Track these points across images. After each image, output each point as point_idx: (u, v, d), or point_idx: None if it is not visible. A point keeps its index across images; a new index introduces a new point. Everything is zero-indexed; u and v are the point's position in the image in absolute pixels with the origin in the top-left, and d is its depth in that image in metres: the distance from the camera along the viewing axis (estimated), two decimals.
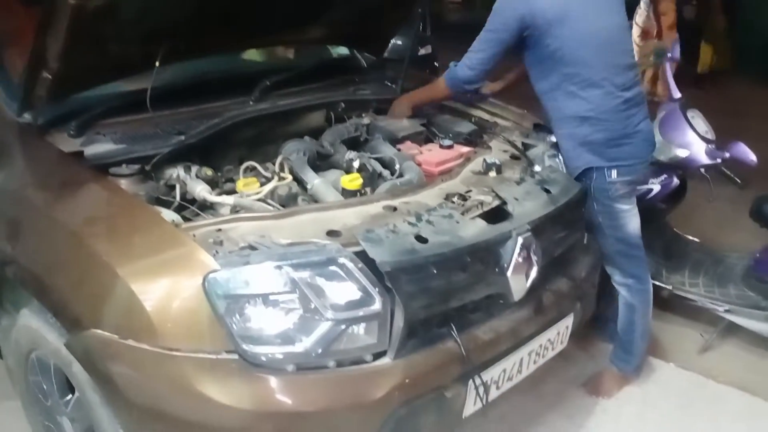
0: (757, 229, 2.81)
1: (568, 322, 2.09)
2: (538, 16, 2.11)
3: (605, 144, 2.23)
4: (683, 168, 2.88)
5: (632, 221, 2.34)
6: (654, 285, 2.88)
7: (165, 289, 1.52)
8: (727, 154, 2.75)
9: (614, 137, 2.23)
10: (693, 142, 2.81)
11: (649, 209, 2.85)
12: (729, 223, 3.60)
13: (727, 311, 2.79)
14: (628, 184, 2.28)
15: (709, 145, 2.80)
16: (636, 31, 4.91)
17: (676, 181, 2.91)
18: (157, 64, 1.99)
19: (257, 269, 1.51)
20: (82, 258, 1.64)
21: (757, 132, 4.09)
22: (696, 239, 3.19)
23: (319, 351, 1.54)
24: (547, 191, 2.02)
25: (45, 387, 1.95)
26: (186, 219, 1.78)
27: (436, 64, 4.38)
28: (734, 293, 2.83)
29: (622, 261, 2.40)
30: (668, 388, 2.68)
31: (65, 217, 1.73)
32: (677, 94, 2.91)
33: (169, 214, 1.73)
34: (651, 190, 2.90)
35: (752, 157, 2.70)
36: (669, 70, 2.91)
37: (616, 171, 2.24)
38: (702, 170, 2.83)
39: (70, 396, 1.87)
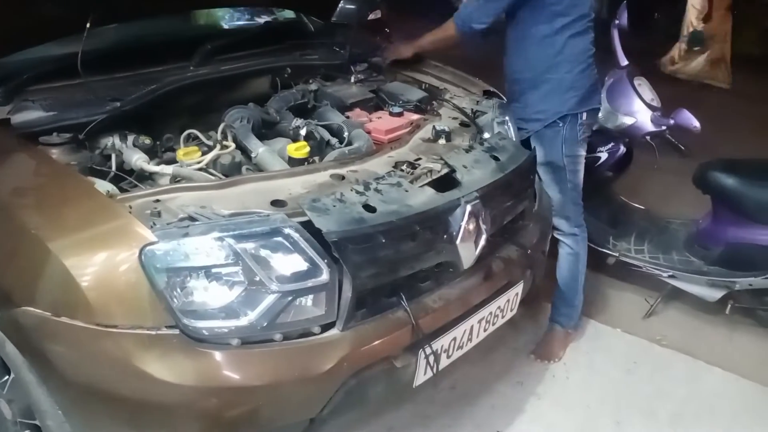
0: (700, 196, 2.87)
1: (518, 289, 2.10)
2: None
3: (589, 87, 2.40)
4: (629, 136, 2.91)
5: (583, 169, 2.49)
6: (600, 252, 2.95)
7: (100, 263, 1.45)
8: (672, 121, 2.79)
9: (593, 81, 2.43)
10: (639, 109, 2.84)
11: (596, 177, 2.90)
12: (673, 191, 3.68)
13: (670, 276, 2.87)
14: (590, 127, 2.45)
15: (655, 113, 2.84)
16: (693, 13, 4.78)
17: (622, 149, 2.95)
18: (88, 25, 1.87)
19: (197, 241, 1.46)
20: (11, 232, 1.56)
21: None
22: (642, 207, 3.25)
23: (265, 324, 1.49)
24: (496, 159, 2.01)
25: None
26: (123, 190, 1.70)
27: (387, 30, 4.31)
28: (678, 259, 2.91)
29: (573, 209, 2.52)
30: (614, 352, 2.74)
31: None
32: (624, 62, 2.93)
33: (103, 185, 1.65)
34: (598, 158, 2.94)
35: (695, 123, 2.75)
36: (617, 38, 2.92)
37: (585, 114, 2.40)
38: (647, 138, 2.87)
39: (6, 377, 1.78)
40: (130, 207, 1.52)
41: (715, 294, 2.79)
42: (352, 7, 2.77)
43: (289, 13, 2.90)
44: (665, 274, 2.88)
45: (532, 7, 2.30)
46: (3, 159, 1.72)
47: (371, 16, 4.02)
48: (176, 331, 1.45)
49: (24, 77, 1.93)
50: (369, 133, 2.12)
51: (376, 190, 1.70)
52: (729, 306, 2.80)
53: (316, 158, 1.97)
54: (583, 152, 2.46)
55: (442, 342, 1.81)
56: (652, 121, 2.82)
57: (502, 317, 2.07)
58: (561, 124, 2.37)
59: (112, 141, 1.87)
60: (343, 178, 1.77)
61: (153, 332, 1.44)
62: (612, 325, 2.90)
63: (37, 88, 1.94)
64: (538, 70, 2.37)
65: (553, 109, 2.37)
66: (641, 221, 3.16)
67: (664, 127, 2.82)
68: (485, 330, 2.00)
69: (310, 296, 1.56)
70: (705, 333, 2.88)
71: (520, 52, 2.40)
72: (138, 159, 1.81)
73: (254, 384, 1.50)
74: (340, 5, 2.79)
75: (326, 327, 1.59)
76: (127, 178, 1.79)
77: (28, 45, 1.96)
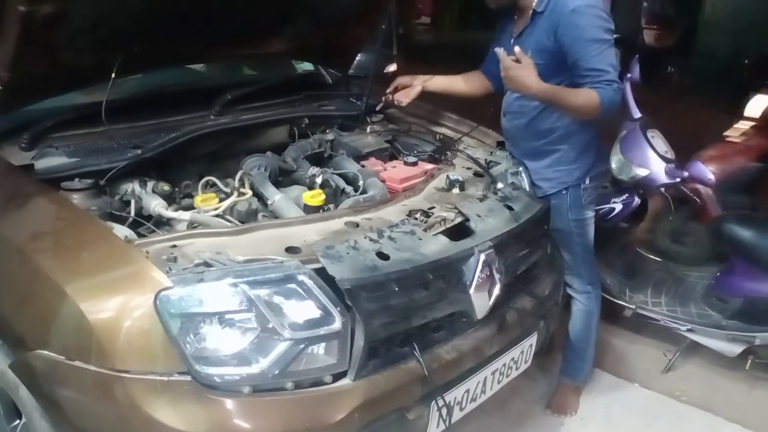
0: (717, 248, 2.84)
1: (532, 340, 2.08)
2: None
3: (594, 156, 2.37)
4: (644, 187, 2.91)
5: (593, 228, 2.45)
6: (617, 304, 2.91)
7: (115, 307, 1.46)
8: (686, 173, 2.79)
9: (598, 148, 2.39)
10: (653, 161, 2.84)
11: (610, 229, 2.88)
12: (690, 243, 3.65)
13: (689, 330, 2.82)
14: (595, 189, 2.41)
15: (669, 165, 2.84)
16: None
17: (637, 200, 2.94)
18: (113, 75, 1.94)
19: (212, 287, 1.46)
20: (28, 275, 1.58)
21: None
22: (658, 258, 3.22)
23: (277, 372, 1.49)
24: (510, 208, 2.02)
25: None
26: (140, 235, 1.73)
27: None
28: (696, 312, 2.86)
29: (585, 268, 2.47)
30: (631, 407, 2.68)
31: (11, 233, 1.66)
32: (637, 114, 2.95)
33: (122, 230, 1.67)
34: (613, 209, 2.92)
35: (710, 176, 2.74)
36: (629, 91, 2.95)
37: (589, 177, 2.35)
38: (662, 189, 2.87)
39: (17, 422, 1.78)
40: (147, 252, 1.54)
41: (735, 349, 2.73)
42: (369, 60, 2.85)
43: (307, 65, 2.97)
44: (683, 328, 2.83)
45: (560, 73, 2.17)
46: (24, 203, 1.76)
47: (387, 69, 4.11)
48: (188, 378, 1.44)
49: (48, 124, 1.98)
50: (383, 181, 2.14)
51: (390, 238, 1.71)
52: (749, 361, 2.74)
53: (331, 206, 1.99)
54: (590, 213, 2.41)
55: (455, 394, 1.79)
56: (666, 173, 2.82)
57: (516, 369, 2.04)
58: (564, 192, 2.33)
59: (132, 187, 1.90)
60: (357, 225, 1.79)
61: (165, 378, 1.43)
62: (630, 380, 2.85)
63: (60, 135, 1.99)
64: (546, 139, 2.30)
65: (558, 179, 2.32)
66: (658, 273, 3.12)
67: (678, 179, 2.82)
68: (499, 382, 1.97)
69: (323, 344, 1.55)
70: (725, 388, 2.81)
71: (533, 120, 2.29)
72: (156, 205, 1.84)
73: None
74: (357, 58, 2.87)
75: (338, 376, 1.57)
76: (145, 223, 1.81)
77: (53, 94, 2.02)
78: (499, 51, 2.09)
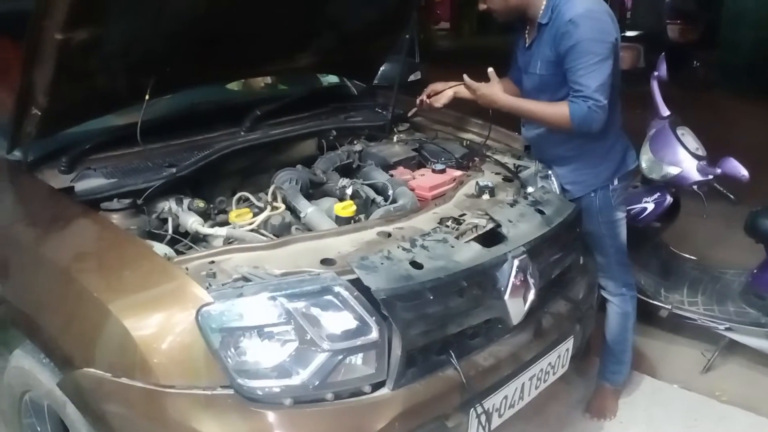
0: (752, 244, 2.80)
1: (569, 344, 2.07)
2: (617, 35, 2.16)
3: (621, 156, 2.34)
4: (675, 186, 2.88)
5: (625, 229, 2.42)
6: (653, 305, 2.88)
7: (158, 324, 1.49)
8: (719, 170, 2.75)
9: (625, 147, 2.38)
10: (684, 159, 2.82)
11: (643, 229, 2.86)
12: (724, 240, 3.60)
13: (727, 329, 2.78)
14: (624, 189, 2.38)
15: (701, 162, 2.81)
16: None
17: (669, 199, 2.91)
18: (146, 97, 1.99)
19: (251, 301, 1.49)
20: (73, 295, 1.61)
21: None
22: (692, 257, 3.18)
23: (317, 383, 1.50)
24: (541, 212, 2.01)
25: (39, 429, 1.91)
26: (179, 252, 1.76)
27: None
28: (733, 310, 2.82)
29: (619, 270, 2.45)
30: (672, 409, 2.64)
31: (55, 254, 1.71)
32: (666, 112, 2.92)
33: (161, 248, 1.71)
34: (645, 209, 2.90)
35: (743, 172, 2.70)
36: (656, 88, 2.93)
37: (617, 178, 2.33)
38: (694, 187, 2.84)
39: None
40: (187, 268, 1.57)
41: None
42: (393, 69, 2.87)
43: (332, 78, 3.00)
44: (721, 327, 2.79)
45: (566, 84, 2.16)
46: (66, 225, 1.80)
47: (411, 78, 4.13)
48: (231, 391, 1.46)
49: (86, 147, 2.03)
50: (413, 190, 2.15)
51: (423, 247, 1.72)
52: None
53: (363, 216, 2.01)
54: (621, 215, 2.38)
55: (493, 401, 1.79)
56: (698, 170, 2.79)
57: (554, 374, 2.04)
58: (593, 195, 2.31)
59: (168, 205, 1.94)
60: (389, 235, 1.80)
61: (209, 392, 1.46)
62: (669, 381, 2.81)
63: (97, 157, 2.04)
64: (568, 145, 2.28)
65: (585, 182, 2.31)
66: (693, 272, 3.09)
67: (710, 177, 2.78)
68: (537, 387, 1.97)
69: (360, 355, 1.56)
70: (766, 386, 2.75)
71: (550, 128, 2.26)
72: (193, 222, 1.88)
73: None
74: (381, 69, 2.90)
75: (377, 386, 1.58)
76: (182, 240, 1.85)
77: (89, 117, 2.08)
78: (490, 72, 2.25)
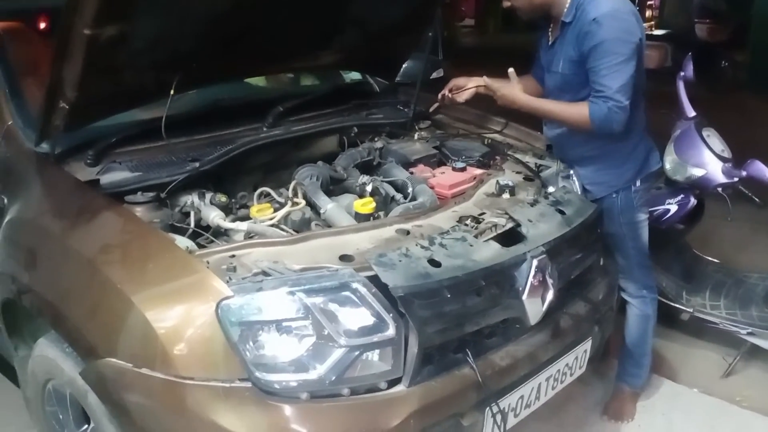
0: None
1: (587, 346, 2.06)
2: (642, 35, 2.14)
3: (645, 156, 2.33)
4: (700, 187, 2.84)
5: (647, 230, 2.41)
6: (674, 307, 2.85)
7: (179, 316, 1.52)
8: (744, 173, 2.71)
9: (649, 148, 2.36)
10: (709, 161, 2.78)
11: (667, 230, 2.83)
12: (749, 243, 3.55)
13: (749, 333, 2.74)
14: (647, 191, 2.36)
15: (726, 164, 2.77)
16: None
17: (693, 200, 2.87)
18: (171, 92, 2.01)
19: (270, 295, 1.51)
20: (97, 286, 1.65)
21: None
22: (716, 260, 3.14)
23: (333, 378, 1.52)
24: (562, 212, 2.01)
25: (61, 417, 1.95)
26: (200, 246, 1.78)
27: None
28: (756, 315, 2.78)
29: (640, 272, 2.43)
30: (692, 414, 2.62)
31: (80, 245, 1.74)
32: (691, 113, 2.89)
33: (183, 241, 1.73)
34: (668, 210, 2.87)
35: None
36: (683, 89, 2.90)
37: (639, 179, 2.31)
38: (719, 189, 2.80)
39: (86, 426, 1.86)
40: (208, 262, 1.59)
41: None
42: (416, 66, 2.87)
43: (355, 75, 3.01)
44: (743, 331, 2.75)
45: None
46: (92, 217, 1.83)
47: (434, 75, 4.12)
48: (248, 384, 1.49)
49: (112, 140, 2.06)
50: (432, 188, 2.16)
51: (441, 245, 1.73)
52: None
53: (382, 213, 2.02)
54: (643, 216, 2.37)
55: (509, 400, 1.79)
56: (723, 172, 2.75)
57: (571, 375, 2.03)
58: (615, 196, 2.30)
59: (191, 199, 1.96)
60: (408, 232, 1.81)
61: (227, 385, 1.48)
62: (689, 385, 2.78)
63: (123, 150, 2.07)
64: (590, 145, 2.28)
65: (607, 183, 2.30)
66: (716, 275, 3.05)
67: (735, 179, 2.74)
68: (553, 388, 1.96)
69: (377, 351, 1.57)
70: None
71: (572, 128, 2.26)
72: (215, 216, 1.90)
73: None
74: (404, 66, 2.90)
75: (392, 383, 1.59)
76: (204, 234, 1.87)
77: (115, 111, 2.11)
78: (510, 72, 2.25)
